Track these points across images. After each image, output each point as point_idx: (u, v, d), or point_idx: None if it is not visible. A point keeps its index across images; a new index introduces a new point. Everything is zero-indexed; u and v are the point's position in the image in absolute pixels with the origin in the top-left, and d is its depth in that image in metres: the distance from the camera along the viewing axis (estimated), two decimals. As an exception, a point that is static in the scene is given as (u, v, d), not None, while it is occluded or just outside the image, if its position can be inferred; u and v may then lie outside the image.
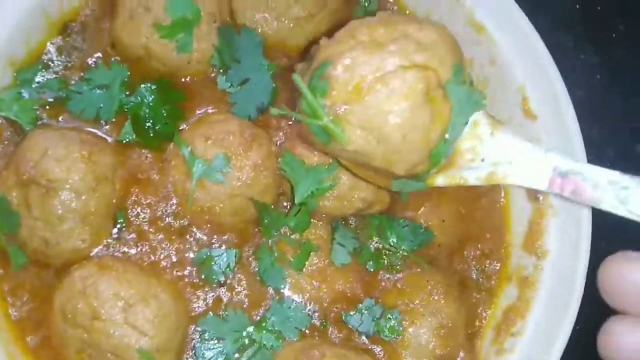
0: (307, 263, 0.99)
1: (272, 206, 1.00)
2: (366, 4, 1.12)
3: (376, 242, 1.04)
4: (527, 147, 0.83)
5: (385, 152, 0.79)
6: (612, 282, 0.71)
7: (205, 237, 0.99)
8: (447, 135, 0.81)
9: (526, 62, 1.04)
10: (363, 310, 0.99)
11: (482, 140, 0.84)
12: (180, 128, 1.01)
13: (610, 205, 0.78)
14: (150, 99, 1.00)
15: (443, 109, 0.79)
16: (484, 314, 1.06)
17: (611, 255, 0.71)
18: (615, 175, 0.78)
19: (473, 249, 1.07)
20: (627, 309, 0.71)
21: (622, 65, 1.35)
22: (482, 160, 0.84)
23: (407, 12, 1.13)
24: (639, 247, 0.74)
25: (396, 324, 0.98)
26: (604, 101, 1.28)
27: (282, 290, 0.99)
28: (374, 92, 0.76)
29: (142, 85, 1.00)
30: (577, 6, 1.36)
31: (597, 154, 1.05)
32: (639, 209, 0.76)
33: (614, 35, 1.37)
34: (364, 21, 0.80)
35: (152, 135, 1.00)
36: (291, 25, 1.05)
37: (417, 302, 0.99)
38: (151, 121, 1.00)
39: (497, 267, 1.07)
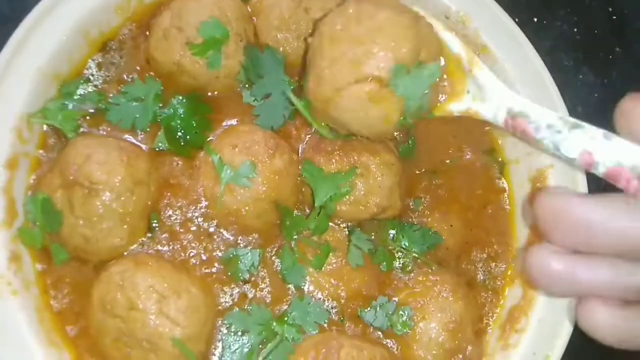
0: (325, 263, 1.06)
1: (294, 210, 1.08)
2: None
3: (389, 245, 1.11)
4: (495, 85, 0.92)
5: (359, 131, 0.98)
6: (554, 214, 0.70)
7: (231, 238, 1.06)
8: (406, 113, 0.93)
9: (524, 75, 1.13)
10: (377, 307, 1.05)
11: (465, 74, 0.95)
12: (209, 138, 1.08)
13: (548, 147, 0.82)
14: (181, 111, 1.08)
15: (392, 101, 0.92)
16: (490, 314, 1.11)
17: (549, 190, 0.73)
18: (552, 118, 0.82)
19: (480, 252, 1.14)
20: (563, 240, 0.71)
21: (618, 86, 1.43)
22: (468, 92, 0.96)
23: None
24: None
25: (408, 320, 1.04)
26: (600, 118, 1.35)
27: (302, 288, 1.06)
28: (335, 104, 0.94)
29: (174, 98, 1.08)
30: (576, 29, 1.46)
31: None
32: (568, 151, 0.79)
33: (610, 57, 1.45)
34: (336, 22, 0.94)
35: (183, 144, 1.08)
36: (310, 44, 1.14)
37: (427, 299, 1.05)
38: (182, 131, 1.08)
39: (503, 269, 1.13)
